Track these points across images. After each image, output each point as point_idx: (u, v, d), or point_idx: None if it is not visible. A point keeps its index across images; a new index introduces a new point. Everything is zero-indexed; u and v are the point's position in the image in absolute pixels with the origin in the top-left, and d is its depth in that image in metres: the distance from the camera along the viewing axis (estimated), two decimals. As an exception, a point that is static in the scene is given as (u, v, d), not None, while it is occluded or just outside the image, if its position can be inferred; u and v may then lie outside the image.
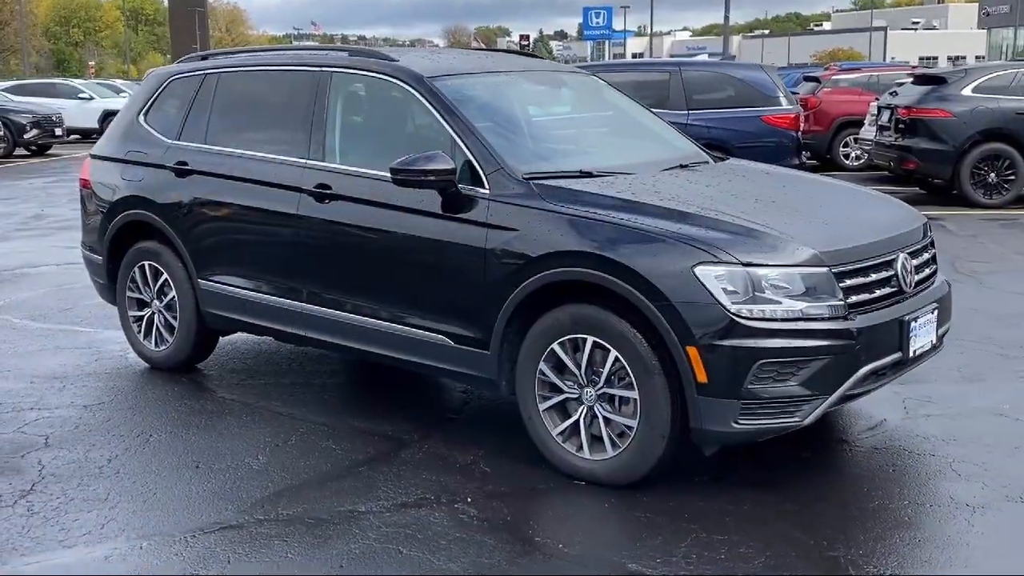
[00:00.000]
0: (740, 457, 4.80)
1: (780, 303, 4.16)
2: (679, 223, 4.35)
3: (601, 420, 4.49)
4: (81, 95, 29.60)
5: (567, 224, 4.50)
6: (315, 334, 5.50)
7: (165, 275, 6.25)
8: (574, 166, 5.02)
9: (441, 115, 5.03)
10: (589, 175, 4.90)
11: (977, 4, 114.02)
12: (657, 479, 4.45)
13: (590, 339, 4.44)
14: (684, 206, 4.52)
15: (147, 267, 6.35)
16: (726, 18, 36.01)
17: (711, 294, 4.12)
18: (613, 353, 4.38)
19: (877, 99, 16.91)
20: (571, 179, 4.84)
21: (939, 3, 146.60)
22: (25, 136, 23.57)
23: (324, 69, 5.60)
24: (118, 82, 35.56)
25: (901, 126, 14.29)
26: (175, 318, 6.27)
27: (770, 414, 4.19)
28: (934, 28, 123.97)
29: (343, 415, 5.57)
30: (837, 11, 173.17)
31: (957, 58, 79.24)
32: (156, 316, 6.39)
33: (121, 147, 6.54)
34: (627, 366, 4.34)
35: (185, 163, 6.06)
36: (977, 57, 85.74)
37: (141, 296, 6.45)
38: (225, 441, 5.20)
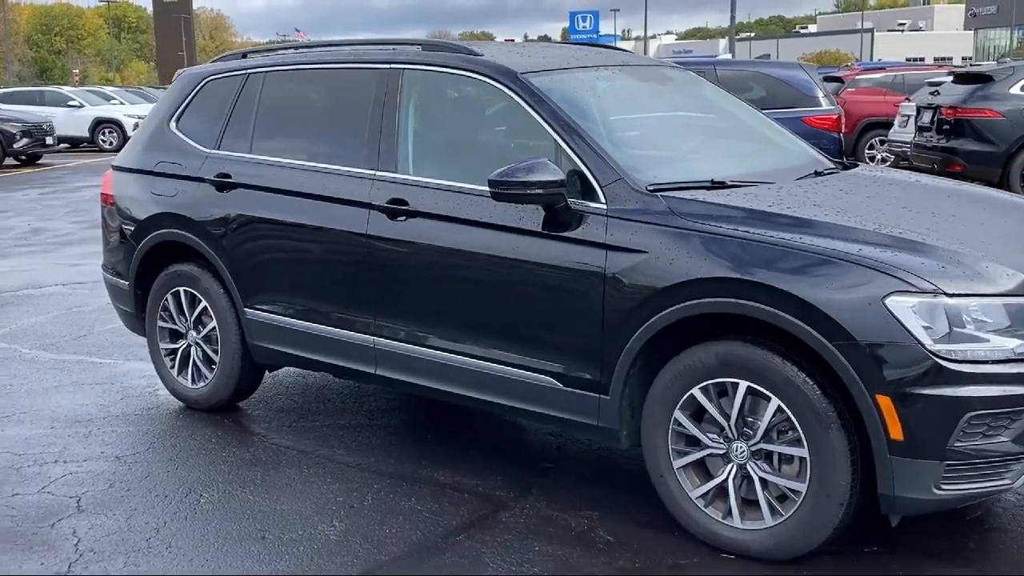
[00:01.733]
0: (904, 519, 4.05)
1: (987, 341, 3.43)
2: (858, 243, 3.61)
3: (756, 481, 3.75)
4: (71, 103, 28.73)
5: (712, 244, 3.76)
6: (388, 372, 4.74)
7: (204, 303, 5.48)
8: (701, 174, 4.27)
9: (542, 117, 4.28)
10: (722, 185, 4.16)
11: (963, 5, 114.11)
12: (818, 550, 3.70)
13: (743, 384, 3.70)
14: (856, 222, 3.78)
15: (182, 294, 5.58)
16: (732, 18, 35.44)
17: (908, 331, 3.38)
18: (774, 402, 3.63)
19: (908, 99, 16.26)
20: (703, 190, 4.10)
21: (924, 4, 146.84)
22: (15, 145, 22.68)
23: (393, 66, 4.84)
24: (108, 89, 34.65)
25: (945, 127, 13.63)
26: (215, 351, 5.50)
27: (977, 476, 3.46)
28: (920, 29, 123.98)
29: (419, 465, 4.81)
30: (821, 14, 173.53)
31: (944, 59, 78.95)
32: (193, 349, 5.62)
33: (150, 157, 5.76)
34: (792, 417, 3.60)
35: (227, 175, 5.29)
36: (964, 58, 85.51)
37: (175, 326, 5.68)
38: (289, 501, 4.43)
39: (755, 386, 3.67)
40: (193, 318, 5.57)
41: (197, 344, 5.59)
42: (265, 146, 5.29)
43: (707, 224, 3.82)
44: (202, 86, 5.71)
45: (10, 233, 12.94)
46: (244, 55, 5.73)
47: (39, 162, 24.71)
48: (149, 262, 5.73)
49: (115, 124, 28.40)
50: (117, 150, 27.92)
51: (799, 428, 3.59)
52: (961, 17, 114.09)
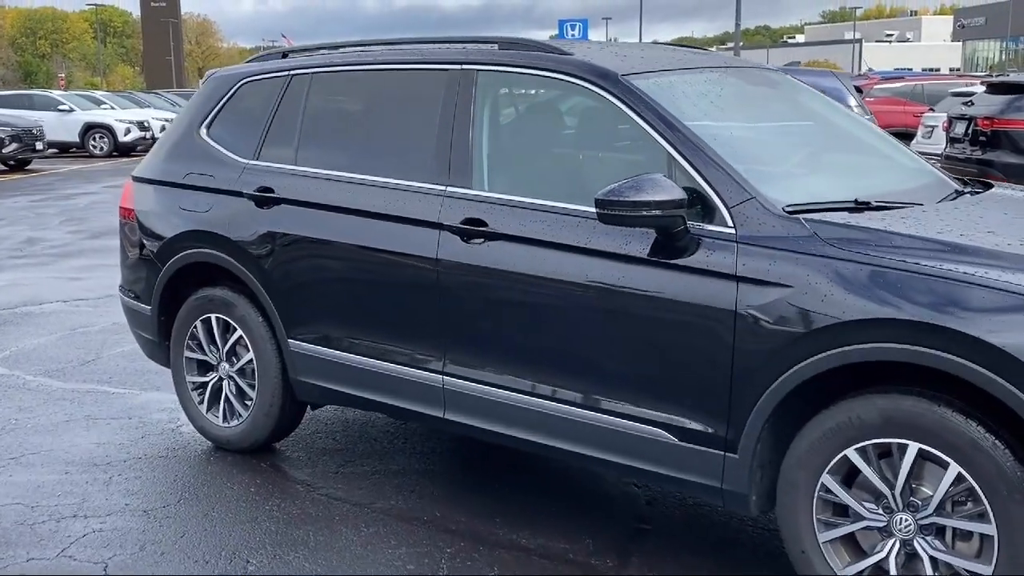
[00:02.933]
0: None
1: None
2: (1059, 281, 3.02)
3: (926, 561, 3.15)
4: (61, 107, 27.95)
5: (876, 278, 3.16)
6: (459, 416, 4.14)
7: (239, 332, 4.86)
8: (835, 193, 3.68)
9: (651, 126, 3.69)
10: (866, 206, 3.57)
11: (951, 17, 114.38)
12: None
13: (913, 446, 3.11)
14: (1046, 254, 3.19)
15: (214, 321, 4.96)
16: (737, 24, 34.94)
17: None
18: (953, 468, 3.05)
19: (931, 109, 15.77)
20: (846, 212, 3.51)
21: (911, 15, 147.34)
22: (4, 151, 21.95)
23: (466, 67, 4.24)
24: (99, 93, 33.90)
25: (982, 138, 13.09)
26: (251, 387, 4.88)
27: None
28: (907, 40, 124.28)
29: (493, 523, 4.21)
30: (808, 24, 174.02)
31: (932, 70, 78.77)
32: (225, 384, 5.00)
33: (177, 168, 5.14)
34: (976, 487, 3.01)
35: (270, 189, 4.68)
36: (951, 69, 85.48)
37: (204, 357, 5.06)
38: (350, 568, 3.82)
39: (929, 448, 3.08)
40: (226, 349, 4.95)
41: (230, 378, 4.98)
42: (312, 157, 4.68)
43: (866, 254, 3.22)
44: (237, 89, 5.09)
45: (3, 244, 12.26)
46: (284, 55, 5.11)
47: (28, 168, 23.97)
48: (175, 285, 5.11)
49: (106, 129, 27.68)
50: (108, 156, 27.39)
51: (985, 500, 3.01)
52: (948, 28, 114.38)
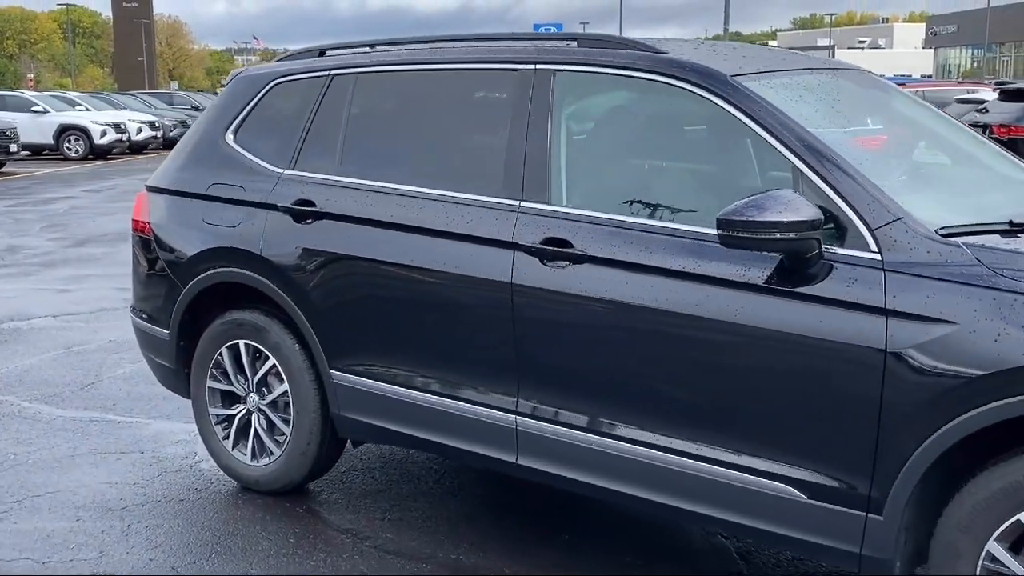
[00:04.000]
0: None
1: None
2: None
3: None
4: (34, 108, 27.14)
5: (1064, 317, 2.70)
6: (536, 462, 3.65)
7: (272, 360, 4.35)
8: (979, 213, 3.22)
9: (773, 134, 3.22)
10: (1022, 228, 3.11)
11: (923, 24, 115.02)
12: None
13: (1108, 511, 2.64)
14: None
15: (242, 348, 4.45)
16: (725, 30, 34.62)
17: None
18: None
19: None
20: (998, 236, 3.05)
21: (883, 23, 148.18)
22: (-23, 153, 21.23)
23: (541, 67, 3.75)
24: (73, 94, 33.08)
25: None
26: (286, 421, 4.37)
27: None
28: (880, 47, 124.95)
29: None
30: (778, 31, 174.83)
31: (904, 76, 78.86)
32: (254, 418, 4.49)
33: (199, 177, 4.62)
34: None
35: (310, 202, 4.17)
36: (923, 76, 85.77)
37: (230, 388, 4.54)
38: (423, 642, 3.31)
39: None
40: (256, 379, 4.44)
41: (261, 412, 4.46)
42: (358, 166, 4.18)
43: (1046, 285, 2.76)
44: (268, 90, 4.59)
45: (-18, 252, 11.65)
46: (321, 52, 4.60)
47: (2, 170, 23.23)
48: (198, 307, 4.60)
49: (81, 131, 26.94)
50: (84, 158, 26.64)
51: None
52: (920, 35, 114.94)
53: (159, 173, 4.89)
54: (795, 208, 2.94)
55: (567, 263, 3.48)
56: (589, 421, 3.50)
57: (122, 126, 27.62)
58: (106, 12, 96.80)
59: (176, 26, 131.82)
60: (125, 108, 31.19)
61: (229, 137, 4.61)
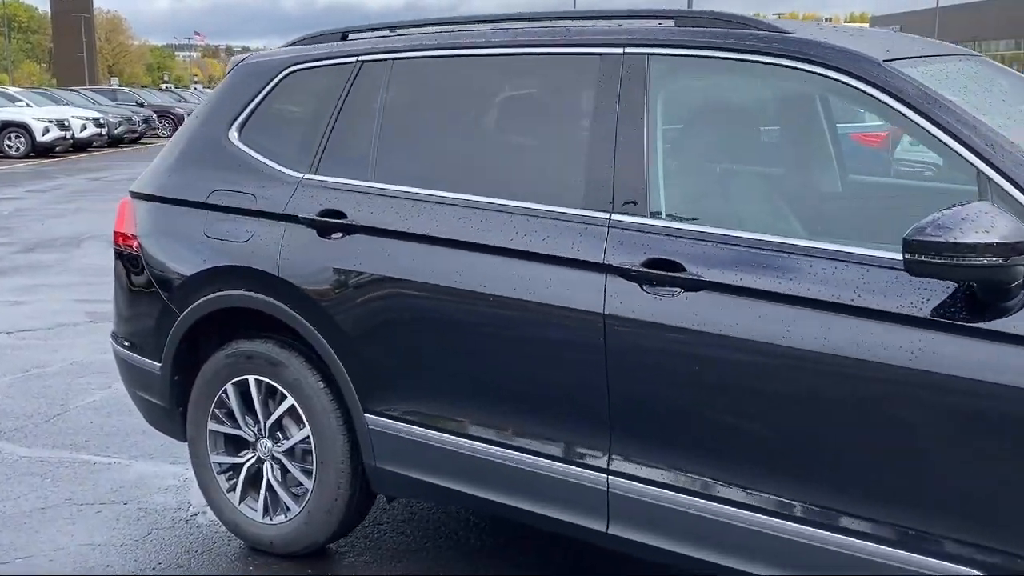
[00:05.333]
0: None
1: None
2: None
3: None
4: (-28, 104, 25.98)
5: None
6: (634, 533, 3.02)
7: (290, 400, 3.66)
8: None
9: (952, 133, 2.60)
10: None
11: (867, 25, 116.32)
12: None
13: None
14: None
15: (252, 385, 3.75)
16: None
17: None
18: None
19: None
20: None
21: (826, 22, 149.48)
22: (-88, 151, 20.07)
23: (631, 51, 3.10)
24: (13, 90, 31.72)
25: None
26: (307, 473, 3.68)
27: None
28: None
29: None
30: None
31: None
32: (267, 467, 3.79)
33: (197, 182, 3.91)
34: None
35: (339, 213, 3.49)
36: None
37: (237, 432, 3.85)
38: None
39: None
40: (270, 422, 3.75)
41: (274, 460, 3.76)
42: (397, 170, 3.51)
43: None
44: (280, 80, 3.89)
45: (-78, 259, 10.74)
46: (344, 35, 3.90)
47: (-62, 170, 22.09)
48: (197, 336, 3.88)
49: (22, 128, 25.76)
50: (25, 156, 25.46)
51: None
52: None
53: (147, 177, 4.17)
54: (1001, 226, 2.32)
55: (679, 290, 2.83)
56: (704, 485, 2.86)
57: (65, 123, 26.48)
58: (43, 7, 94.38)
59: (116, 21, 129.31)
60: (68, 104, 29.97)
61: (233, 135, 3.91)
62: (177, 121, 36.91)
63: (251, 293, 3.67)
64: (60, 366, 6.45)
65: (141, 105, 36.49)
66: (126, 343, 4.17)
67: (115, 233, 4.17)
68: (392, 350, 3.41)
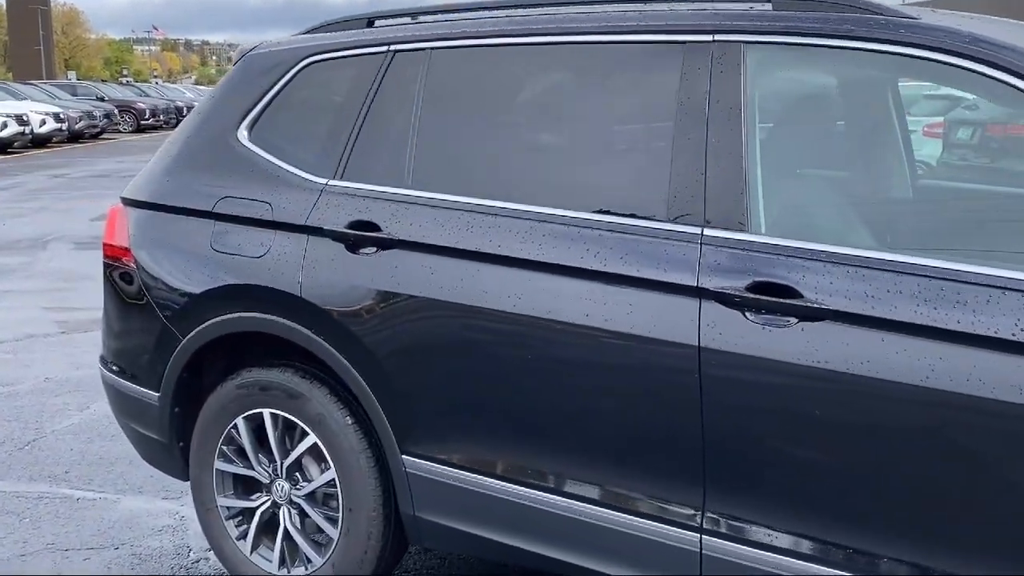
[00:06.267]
0: None
1: None
2: None
3: None
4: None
5: None
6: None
7: (313, 438, 3.20)
8: None
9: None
10: None
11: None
12: None
13: None
14: None
15: (267, 419, 3.29)
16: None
17: None
18: None
19: (908, 113, 14.72)
20: None
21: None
22: None
23: (722, 38, 2.66)
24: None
25: (993, 145, 12.07)
26: (332, 520, 3.22)
27: None
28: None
29: None
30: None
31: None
32: (284, 512, 3.32)
33: (202, 188, 3.44)
34: None
35: (372, 225, 3.03)
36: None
37: (250, 472, 3.37)
38: None
39: None
40: (288, 462, 3.28)
41: (293, 505, 3.30)
42: (437, 176, 3.06)
43: None
44: (298, 72, 3.42)
45: None
46: (371, 21, 3.44)
47: None
48: (201, 362, 3.41)
49: (-23, 124, 24.92)
50: (-21, 153, 24.60)
51: None
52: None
53: (141, 180, 3.68)
54: None
55: (793, 320, 2.40)
56: (824, 551, 2.43)
57: (24, 117, 25.65)
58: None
59: (73, 14, 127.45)
60: (27, 98, 29.10)
61: (243, 134, 3.43)
62: (139, 116, 36.12)
63: (268, 316, 3.20)
64: (33, 383, 5.94)
65: (102, 99, 35.62)
66: (118, 368, 3.69)
67: (105, 245, 3.69)
68: (436, 383, 2.95)
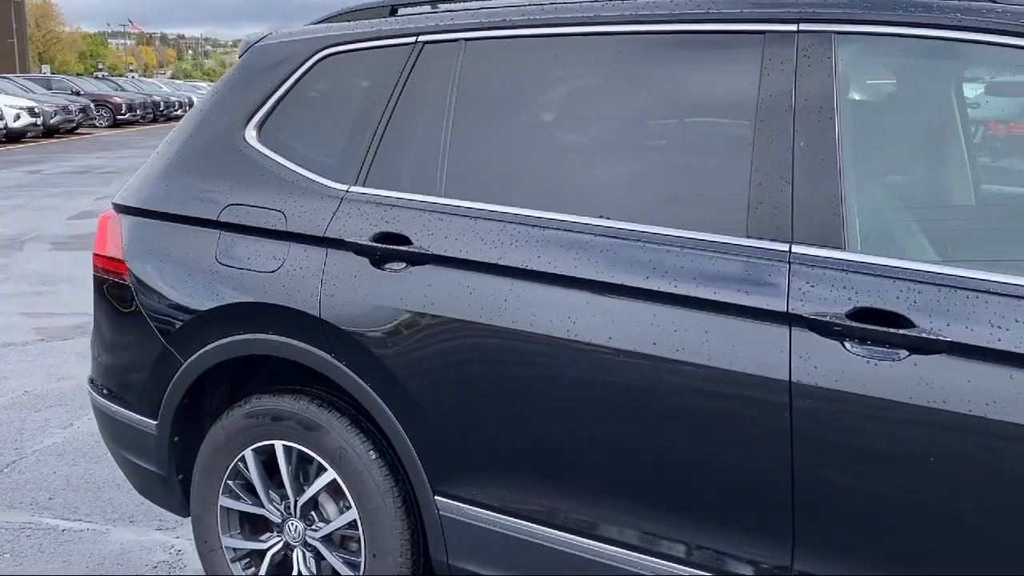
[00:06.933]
0: None
1: None
2: None
3: None
4: None
5: None
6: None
7: (332, 474, 2.86)
8: None
9: None
10: None
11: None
12: None
13: None
14: None
15: (280, 452, 2.95)
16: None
17: None
18: None
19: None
20: None
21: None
22: None
23: (808, 27, 2.34)
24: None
25: (996, 144, 11.80)
26: (353, 566, 2.88)
27: None
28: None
29: None
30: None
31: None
32: (298, 555, 2.98)
33: (204, 194, 3.09)
34: None
35: (402, 238, 2.69)
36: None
37: (260, 510, 3.02)
38: None
39: None
40: (303, 499, 2.93)
41: (308, 548, 2.95)
42: (476, 183, 2.72)
43: None
44: (313, 65, 3.07)
45: None
46: (394, 9, 3.09)
47: None
48: (205, 388, 3.06)
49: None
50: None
51: None
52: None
53: (136, 185, 3.33)
54: None
55: (904, 353, 2.07)
56: (940, 611, 2.10)
57: (-3, 112, 25.12)
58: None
59: (46, 7, 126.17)
60: (0, 92, 28.51)
61: (250, 135, 3.08)
62: (115, 110, 35.53)
63: (282, 338, 2.86)
64: (11, 397, 5.56)
65: (77, 94, 35.02)
66: (109, 392, 3.34)
67: (95, 256, 3.33)
68: (476, 417, 2.62)
